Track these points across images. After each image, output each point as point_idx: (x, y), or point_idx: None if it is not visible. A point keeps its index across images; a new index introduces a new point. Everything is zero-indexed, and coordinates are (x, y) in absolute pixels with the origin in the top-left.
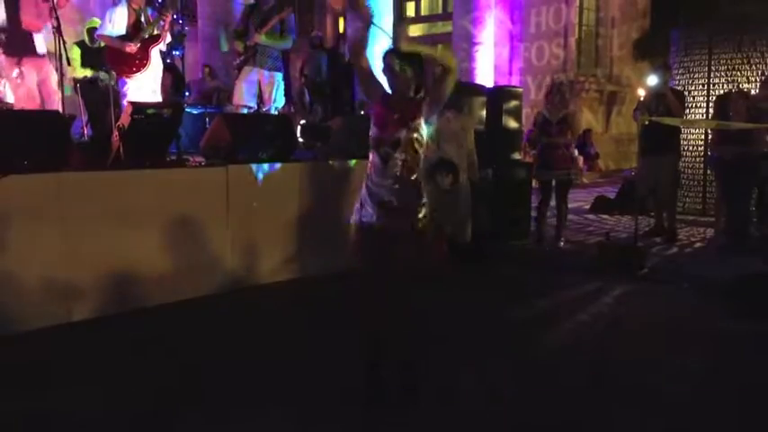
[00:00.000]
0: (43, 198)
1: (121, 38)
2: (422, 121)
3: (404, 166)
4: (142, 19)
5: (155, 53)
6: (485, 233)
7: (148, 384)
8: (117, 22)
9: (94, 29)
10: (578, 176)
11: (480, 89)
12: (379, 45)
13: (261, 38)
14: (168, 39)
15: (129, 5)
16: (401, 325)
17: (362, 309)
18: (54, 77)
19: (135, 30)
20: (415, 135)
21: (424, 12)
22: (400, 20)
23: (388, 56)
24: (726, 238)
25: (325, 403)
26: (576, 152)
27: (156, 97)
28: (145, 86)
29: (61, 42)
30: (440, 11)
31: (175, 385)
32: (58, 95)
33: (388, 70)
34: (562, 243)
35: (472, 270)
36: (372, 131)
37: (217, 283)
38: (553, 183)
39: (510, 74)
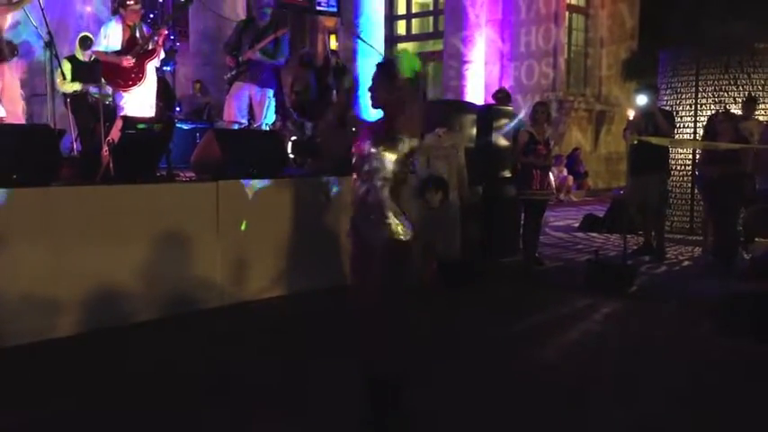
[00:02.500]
0: (32, 212)
1: (117, 53)
2: (402, 138)
3: (379, 182)
4: (137, 35)
5: (151, 68)
6: (474, 250)
7: (132, 401)
8: (112, 38)
9: (86, 41)
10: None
11: (471, 107)
12: (369, 59)
13: (256, 54)
14: (162, 55)
15: (124, 22)
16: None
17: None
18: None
19: (130, 45)
20: (391, 152)
21: (414, 30)
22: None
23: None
24: (713, 258)
25: (319, 424)
26: (566, 171)
27: (153, 112)
28: (142, 101)
29: (53, 55)
30: (431, 29)
31: (160, 402)
32: (21, 106)
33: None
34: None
35: (461, 287)
36: (353, 152)
37: (206, 299)
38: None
39: None
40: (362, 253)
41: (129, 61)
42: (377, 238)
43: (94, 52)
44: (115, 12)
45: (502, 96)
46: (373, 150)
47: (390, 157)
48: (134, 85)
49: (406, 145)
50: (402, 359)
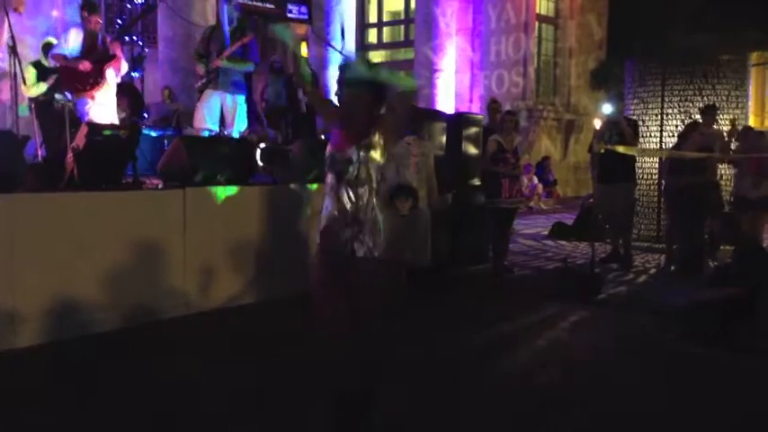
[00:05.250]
0: None
1: (76, 58)
2: (377, 142)
3: (356, 187)
4: (99, 42)
5: (111, 74)
6: (444, 258)
7: (92, 411)
8: (71, 43)
9: (50, 47)
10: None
11: (440, 115)
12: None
13: (222, 62)
14: (125, 68)
15: (86, 28)
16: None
17: (320, 340)
18: None
19: (90, 51)
20: (370, 153)
21: (386, 39)
22: (362, 47)
23: (341, 80)
24: (678, 266)
25: None
26: (536, 179)
27: (115, 117)
28: (107, 107)
29: (16, 61)
30: (402, 38)
31: (121, 413)
32: None
33: (339, 92)
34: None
35: (431, 295)
36: (328, 149)
37: (173, 307)
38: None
39: (470, 101)
40: (338, 267)
41: (86, 65)
42: (368, 252)
43: (53, 55)
44: (81, 17)
45: (496, 107)
46: (360, 154)
47: (376, 163)
48: (92, 90)
49: (385, 152)
50: (372, 374)
